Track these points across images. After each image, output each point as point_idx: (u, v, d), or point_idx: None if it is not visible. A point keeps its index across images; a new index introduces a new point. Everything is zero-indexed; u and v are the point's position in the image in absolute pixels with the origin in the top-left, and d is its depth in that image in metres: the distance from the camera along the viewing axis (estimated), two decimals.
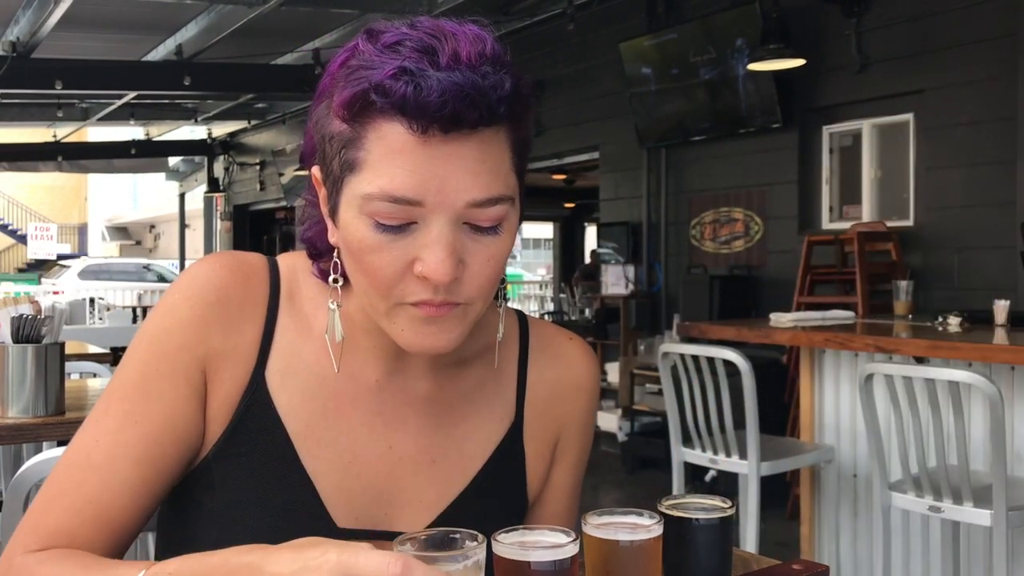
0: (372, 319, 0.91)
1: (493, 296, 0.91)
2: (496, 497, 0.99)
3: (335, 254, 0.91)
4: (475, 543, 0.74)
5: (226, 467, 0.92)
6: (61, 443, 2.22)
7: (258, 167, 12.59)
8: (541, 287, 17.41)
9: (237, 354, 0.93)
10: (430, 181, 0.81)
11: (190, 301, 0.92)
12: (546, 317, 10.90)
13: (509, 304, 1.01)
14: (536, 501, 1.05)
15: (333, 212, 0.88)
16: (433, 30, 0.83)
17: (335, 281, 0.92)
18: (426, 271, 0.82)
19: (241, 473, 0.91)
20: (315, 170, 0.91)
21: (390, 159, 0.81)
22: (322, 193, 0.90)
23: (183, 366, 0.91)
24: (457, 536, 0.76)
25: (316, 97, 0.89)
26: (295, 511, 0.91)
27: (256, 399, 0.93)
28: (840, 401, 3.51)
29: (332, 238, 0.90)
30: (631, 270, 6.78)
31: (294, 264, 0.99)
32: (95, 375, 3.11)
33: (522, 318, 1.07)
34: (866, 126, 5.41)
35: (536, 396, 1.03)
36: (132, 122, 10.57)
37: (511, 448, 1.01)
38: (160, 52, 7.69)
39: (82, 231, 25.44)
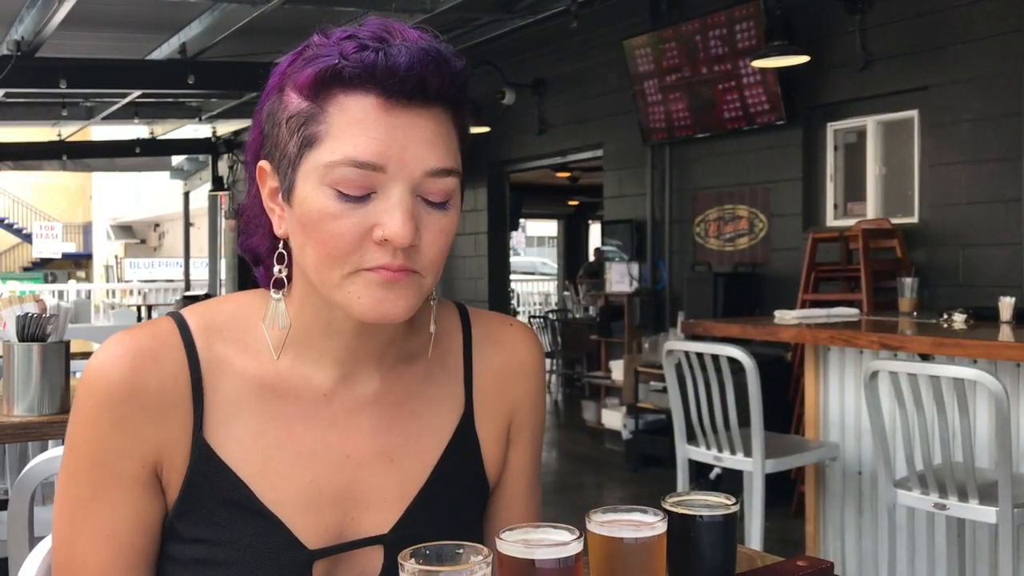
0: (318, 323, 0.94)
1: (438, 277, 0.94)
2: (456, 485, 1.01)
3: (280, 245, 0.93)
4: (480, 557, 0.74)
5: (187, 521, 0.94)
6: None
7: None
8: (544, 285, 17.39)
9: (173, 431, 0.93)
10: (392, 147, 0.86)
11: (105, 406, 0.92)
12: (550, 315, 10.88)
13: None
14: (498, 484, 1.07)
15: (287, 193, 0.90)
16: (382, 25, 0.89)
17: (280, 272, 0.94)
18: (387, 234, 0.85)
19: (203, 523, 0.93)
20: (262, 163, 0.93)
21: (353, 128, 0.86)
22: (268, 187, 0.93)
23: (126, 468, 0.92)
24: (461, 551, 0.75)
25: (264, 96, 0.93)
26: (267, 546, 0.93)
27: (201, 457, 0.93)
28: (845, 398, 3.50)
29: (279, 230, 0.93)
30: (635, 268, 6.77)
31: (209, 311, 0.99)
32: None
33: (463, 310, 1.09)
34: (870, 123, 5.40)
35: (483, 383, 1.05)
36: (136, 121, 10.55)
37: (465, 436, 1.03)
38: (164, 51, 7.68)
39: (87, 230, 25.47)
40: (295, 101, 0.88)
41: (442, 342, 1.04)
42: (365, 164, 0.85)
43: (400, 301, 0.89)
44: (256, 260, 0.99)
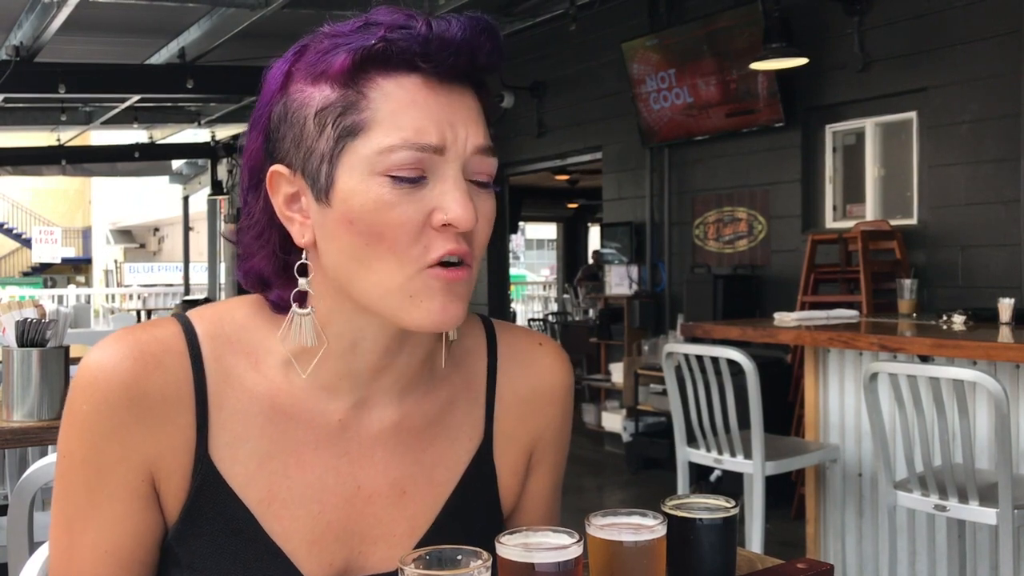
0: (342, 343, 0.87)
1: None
2: (469, 521, 0.95)
3: (303, 256, 0.86)
4: (480, 561, 0.74)
5: (187, 546, 0.88)
6: None
7: None
8: (545, 288, 17.41)
9: (173, 445, 0.87)
10: (445, 126, 0.82)
11: (102, 412, 0.85)
12: (550, 318, 10.88)
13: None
14: (515, 511, 1.01)
15: (324, 192, 0.82)
16: (398, 11, 0.84)
17: (305, 284, 0.86)
18: (451, 217, 0.81)
19: (204, 550, 0.88)
20: (277, 167, 0.85)
21: (405, 110, 0.81)
22: (283, 193, 0.85)
23: (125, 480, 0.86)
24: (460, 556, 0.75)
25: (264, 103, 0.86)
26: None
27: (206, 479, 0.87)
28: (845, 400, 3.50)
29: (301, 239, 0.85)
30: (635, 270, 6.77)
31: (218, 316, 0.91)
32: None
33: (488, 325, 1.01)
34: (869, 124, 5.40)
35: (506, 410, 0.98)
36: (135, 125, 10.56)
37: (481, 468, 0.97)
38: (163, 55, 7.69)
39: (86, 234, 25.46)
40: (323, 93, 0.82)
41: (466, 362, 0.97)
42: (426, 147, 0.80)
43: (460, 303, 0.84)
44: (263, 284, 0.90)
